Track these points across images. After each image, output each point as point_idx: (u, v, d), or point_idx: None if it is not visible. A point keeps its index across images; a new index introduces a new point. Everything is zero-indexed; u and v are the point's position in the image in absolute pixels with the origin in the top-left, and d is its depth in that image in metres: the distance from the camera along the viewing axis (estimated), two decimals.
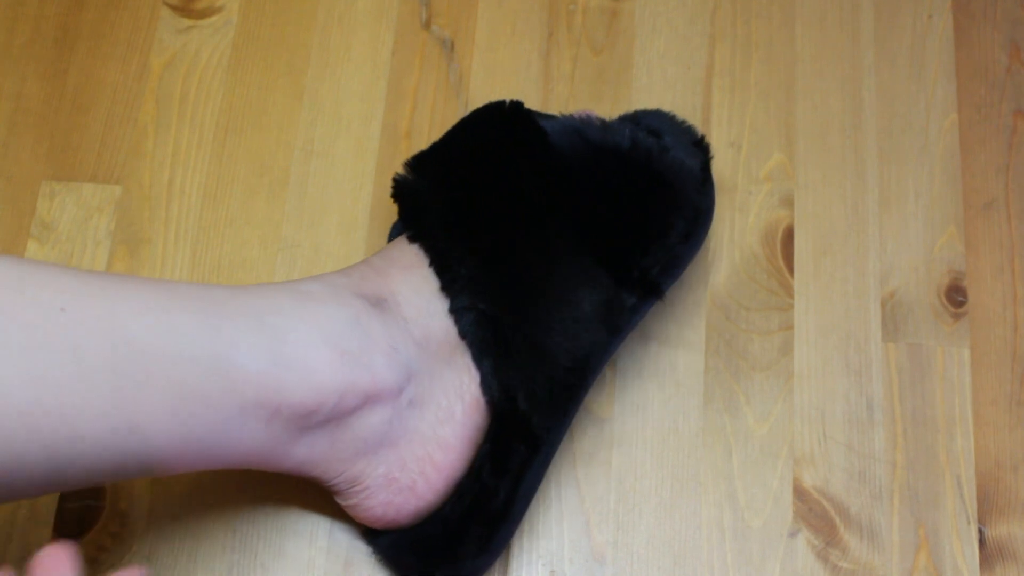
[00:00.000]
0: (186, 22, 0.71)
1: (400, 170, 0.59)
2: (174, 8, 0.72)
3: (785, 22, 0.72)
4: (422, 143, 0.69)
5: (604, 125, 0.60)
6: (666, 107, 0.70)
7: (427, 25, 0.72)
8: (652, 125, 0.61)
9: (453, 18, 0.72)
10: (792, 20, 0.72)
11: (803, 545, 0.61)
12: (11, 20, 0.71)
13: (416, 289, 0.55)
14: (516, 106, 0.60)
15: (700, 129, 0.68)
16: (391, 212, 0.67)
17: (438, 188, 0.57)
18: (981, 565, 0.61)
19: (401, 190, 0.59)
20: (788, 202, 0.68)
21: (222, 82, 0.70)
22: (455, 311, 0.55)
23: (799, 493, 0.62)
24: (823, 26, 0.72)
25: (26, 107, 0.69)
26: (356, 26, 0.72)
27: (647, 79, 0.71)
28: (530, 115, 0.59)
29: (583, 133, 0.58)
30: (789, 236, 0.67)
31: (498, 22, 0.72)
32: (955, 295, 0.66)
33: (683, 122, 0.62)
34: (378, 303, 0.54)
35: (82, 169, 0.68)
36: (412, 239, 0.57)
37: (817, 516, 0.62)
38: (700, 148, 0.61)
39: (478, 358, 0.55)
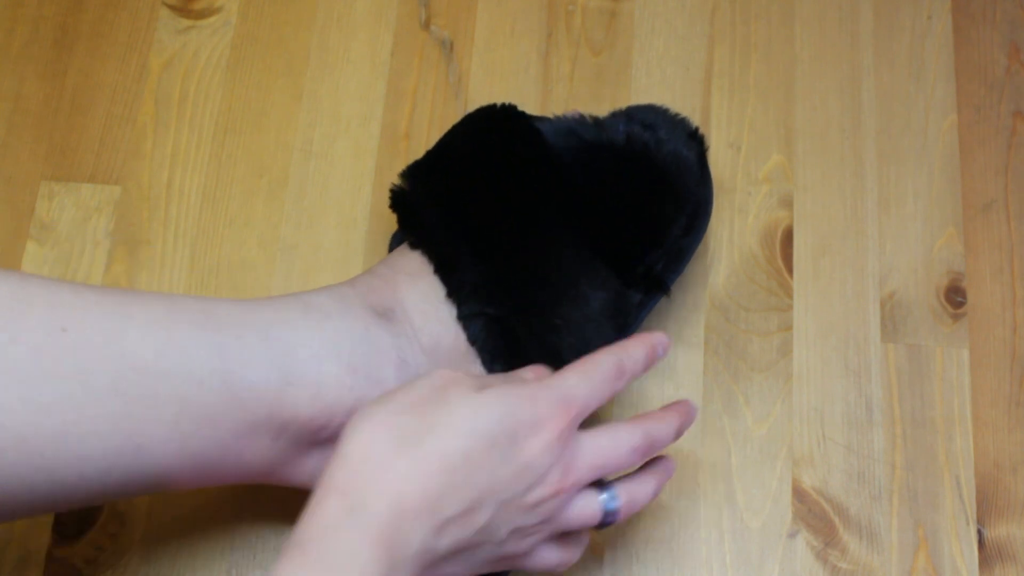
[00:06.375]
0: (185, 22, 0.71)
1: (396, 179, 0.59)
2: (173, 8, 0.72)
3: (784, 23, 0.72)
4: (421, 143, 0.69)
5: (597, 123, 0.59)
6: None
7: (426, 25, 0.72)
8: (646, 119, 0.61)
9: (452, 18, 0.72)
10: (791, 21, 0.72)
11: (802, 546, 0.61)
12: (10, 21, 0.71)
13: (423, 296, 0.54)
14: (508, 108, 0.59)
15: (699, 129, 0.68)
16: (390, 213, 0.67)
17: (435, 194, 0.56)
18: (980, 566, 0.61)
19: (398, 199, 0.58)
20: (787, 203, 0.68)
21: (221, 83, 0.70)
22: (463, 318, 0.54)
23: (798, 494, 0.62)
24: (822, 27, 0.72)
25: (25, 108, 0.69)
26: (355, 27, 0.72)
27: (646, 80, 0.71)
28: (524, 116, 0.59)
29: (577, 132, 0.58)
30: (788, 237, 0.67)
31: (497, 22, 0.72)
32: (954, 296, 0.66)
33: (676, 115, 0.62)
34: (386, 313, 0.53)
35: (81, 170, 0.68)
36: (414, 245, 0.56)
37: (816, 517, 0.62)
38: (695, 140, 0.61)
39: (489, 363, 0.54)
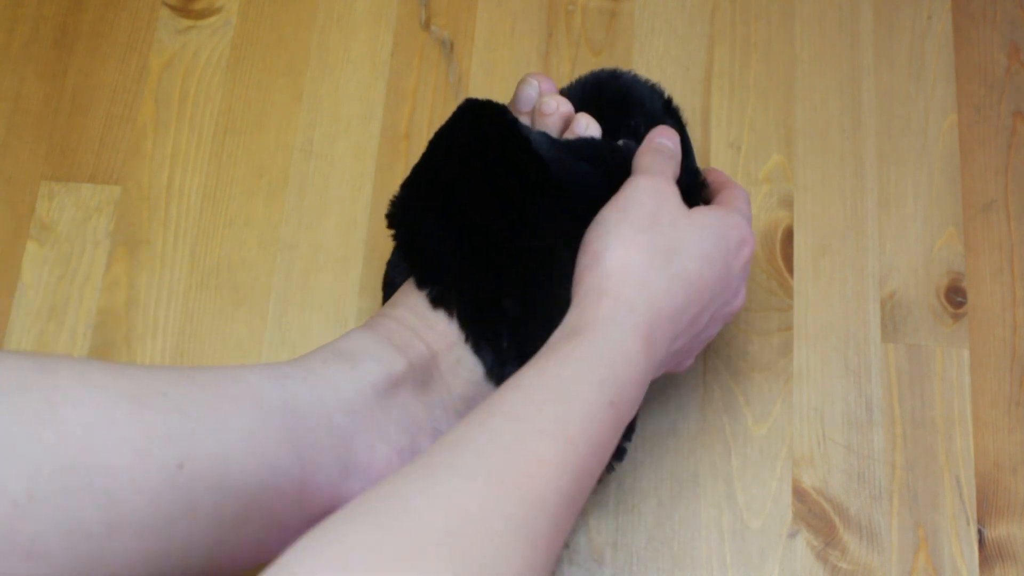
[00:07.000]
0: (185, 22, 0.71)
1: (396, 191, 0.57)
2: (173, 8, 0.72)
3: (784, 23, 0.72)
4: (421, 143, 0.68)
5: (607, 163, 0.56)
6: None
7: (426, 25, 0.72)
8: (618, 94, 0.59)
9: (452, 18, 0.72)
10: (791, 21, 0.72)
11: (802, 546, 0.61)
12: (10, 21, 0.71)
13: (458, 359, 0.54)
14: (498, 116, 0.57)
15: (700, 130, 0.69)
16: None
17: (443, 230, 0.55)
18: (980, 566, 0.61)
19: (400, 229, 0.56)
20: (787, 203, 0.68)
21: (221, 83, 0.70)
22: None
23: (798, 494, 0.62)
24: (822, 27, 0.72)
25: (25, 108, 0.69)
26: (355, 27, 0.72)
27: None
28: (525, 141, 0.56)
29: (589, 176, 0.55)
30: (788, 237, 0.67)
31: (497, 22, 0.72)
32: (954, 296, 0.66)
33: (647, 82, 0.60)
34: (423, 378, 0.53)
35: (81, 170, 0.68)
36: (436, 303, 0.54)
37: (816, 517, 0.62)
38: (670, 114, 0.60)
39: None
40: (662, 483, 0.62)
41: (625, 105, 0.60)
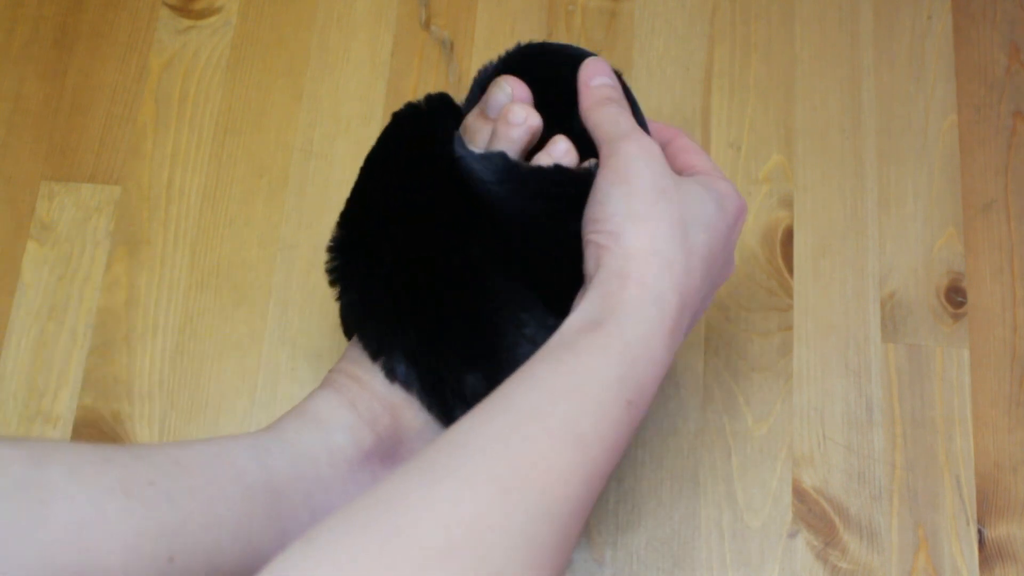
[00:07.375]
0: (185, 22, 0.71)
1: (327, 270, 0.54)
2: (173, 8, 0.72)
3: (784, 23, 0.72)
4: None
5: (570, 199, 0.50)
6: (665, 108, 0.70)
7: (426, 25, 0.72)
8: (547, 75, 0.54)
9: (452, 18, 0.72)
10: (791, 21, 0.72)
11: (802, 545, 0.61)
12: (10, 21, 0.71)
13: (426, 422, 0.52)
14: (433, 148, 0.52)
15: (699, 130, 0.68)
16: None
17: (388, 295, 0.51)
18: (980, 566, 0.61)
19: (343, 286, 0.53)
20: (787, 203, 0.68)
21: (221, 83, 0.70)
22: None
23: (798, 494, 0.62)
24: (822, 27, 0.72)
25: (25, 108, 0.69)
26: (355, 27, 0.72)
27: (646, 80, 0.71)
28: (463, 184, 0.51)
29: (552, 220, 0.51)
30: (788, 237, 0.67)
31: (497, 22, 0.72)
32: (954, 296, 0.66)
33: (582, 58, 0.54)
34: (392, 446, 0.52)
35: (81, 169, 0.68)
36: (391, 376, 0.51)
37: (816, 517, 0.62)
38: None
39: None
40: (662, 483, 0.62)
41: (558, 89, 0.54)
